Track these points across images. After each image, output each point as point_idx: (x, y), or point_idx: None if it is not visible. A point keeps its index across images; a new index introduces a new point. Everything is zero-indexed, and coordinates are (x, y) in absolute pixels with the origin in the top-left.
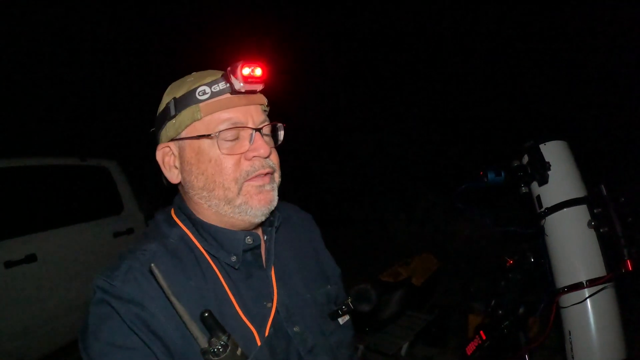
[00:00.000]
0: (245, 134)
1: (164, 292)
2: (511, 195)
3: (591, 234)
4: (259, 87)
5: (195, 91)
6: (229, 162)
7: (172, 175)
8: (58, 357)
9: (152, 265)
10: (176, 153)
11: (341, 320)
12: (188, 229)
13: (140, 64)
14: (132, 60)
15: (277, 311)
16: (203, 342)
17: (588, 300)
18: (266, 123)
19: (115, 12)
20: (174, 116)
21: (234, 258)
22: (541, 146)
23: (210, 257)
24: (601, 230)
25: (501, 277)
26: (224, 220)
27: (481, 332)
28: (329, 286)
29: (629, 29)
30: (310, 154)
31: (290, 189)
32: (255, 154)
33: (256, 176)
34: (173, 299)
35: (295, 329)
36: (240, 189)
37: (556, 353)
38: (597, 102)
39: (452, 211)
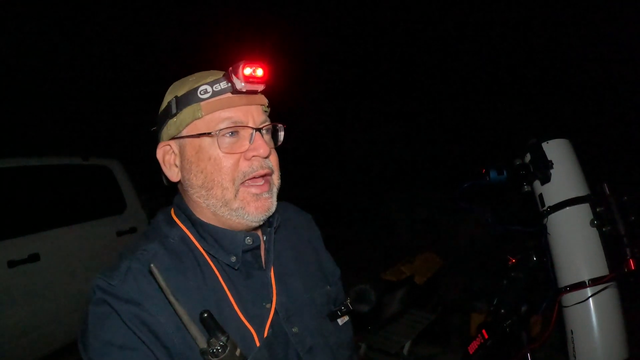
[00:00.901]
0: (246, 133)
1: (163, 292)
2: (513, 194)
3: (594, 233)
4: (260, 87)
5: (197, 90)
6: (228, 161)
7: (172, 174)
8: (62, 356)
9: (152, 265)
10: (177, 151)
11: (340, 321)
12: (188, 229)
13: (143, 63)
14: (135, 59)
15: (276, 312)
16: (202, 342)
17: (590, 299)
18: (267, 123)
19: (118, 12)
20: (175, 114)
21: (233, 258)
22: (544, 144)
23: (209, 258)
24: (604, 229)
25: (504, 275)
26: (222, 221)
27: (483, 330)
28: (329, 287)
29: (633, 27)
30: (312, 154)
31: (290, 189)
32: (254, 153)
33: (253, 178)
34: (172, 299)
35: (294, 329)
36: (237, 191)
37: (558, 351)
38: (600, 101)
39: (455, 210)
